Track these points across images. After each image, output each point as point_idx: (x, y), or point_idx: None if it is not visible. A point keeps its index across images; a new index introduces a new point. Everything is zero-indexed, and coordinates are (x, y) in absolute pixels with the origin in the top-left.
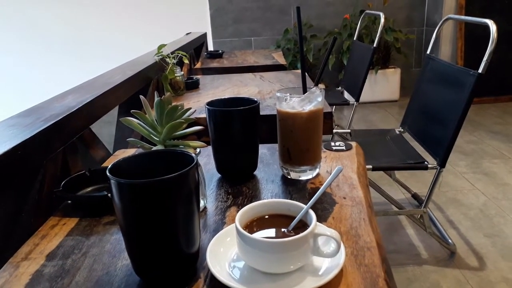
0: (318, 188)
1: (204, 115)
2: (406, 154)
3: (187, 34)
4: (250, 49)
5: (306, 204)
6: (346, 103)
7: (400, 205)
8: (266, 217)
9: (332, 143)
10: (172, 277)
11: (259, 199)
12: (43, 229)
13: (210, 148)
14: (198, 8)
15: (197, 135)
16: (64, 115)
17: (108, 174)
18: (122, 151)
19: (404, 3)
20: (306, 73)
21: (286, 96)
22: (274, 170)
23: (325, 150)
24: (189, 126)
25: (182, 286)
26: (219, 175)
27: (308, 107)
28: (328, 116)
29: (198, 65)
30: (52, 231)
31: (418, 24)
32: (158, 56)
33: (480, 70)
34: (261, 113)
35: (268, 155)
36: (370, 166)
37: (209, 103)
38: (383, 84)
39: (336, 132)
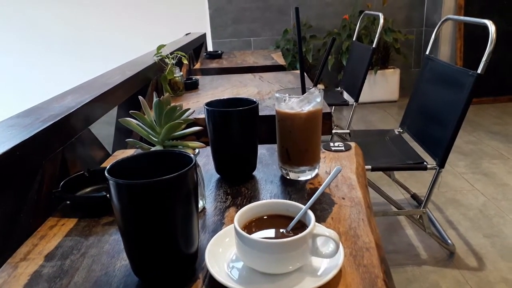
0: (317, 189)
1: (203, 115)
2: (405, 155)
3: (187, 34)
4: (249, 50)
5: (305, 204)
6: (345, 103)
7: (399, 205)
8: (265, 217)
9: (331, 144)
10: (171, 277)
11: (258, 200)
12: (41, 230)
13: (209, 148)
14: (198, 8)
15: (196, 136)
16: (63, 116)
17: (106, 174)
18: (121, 151)
19: (403, 4)
20: (305, 74)
21: (285, 97)
22: (273, 170)
23: (324, 150)
24: (188, 126)
25: (181, 286)
26: (218, 176)
27: (307, 108)
28: (327, 117)
29: (197, 66)
30: (51, 231)
31: (417, 24)
32: (157, 56)
33: (479, 71)
34: (260, 113)
35: (267, 156)
36: (369, 167)
37: (208, 104)
38: (382, 85)
39: (335, 133)
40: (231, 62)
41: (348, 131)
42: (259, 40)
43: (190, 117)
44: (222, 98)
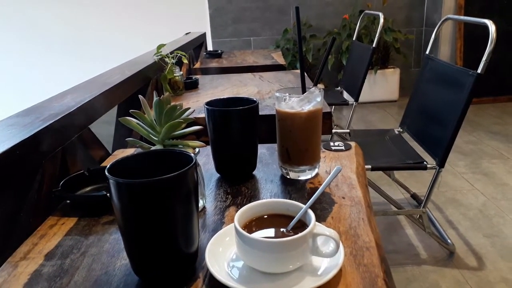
0: (317, 188)
1: (203, 115)
2: (405, 154)
3: (186, 34)
4: (249, 49)
5: (305, 204)
6: (345, 103)
7: (399, 205)
8: (265, 217)
9: (331, 143)
10: (171, 276)
11: (258, 199)
12: (41, 229)
13: (209, 148)
14: (198, 8)
15: (196, 135)
16: (63, 115)
17: (107, 173)
18: (121, 151)
19: (403, 3)
20: (305, 73)
21: (285, 96)
22: (273, 170)
23: (324, 150)
24: (188, 126)
25: (181, 285)
26: (218, 175)
27: (307, 107)
28: (327, 116)
29: (197, 65)
30: (51, 230)
31: (417, 24)
32: (157, 56)
33: (479, 70)
34: (260, 113)
35: (267, 155)
36: (369, 166)
37: (208, 103)
38: (382, 84)
39: (335, 132)
40: (231, 62)
41: (348, 130)
42: (259, 39)
43: (190, 117)
44: (222, 97)
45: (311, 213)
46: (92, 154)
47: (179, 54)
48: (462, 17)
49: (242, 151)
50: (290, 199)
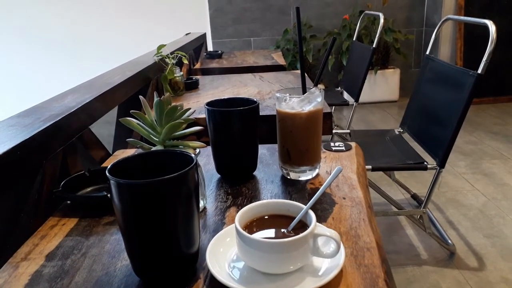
0: (317, 189)
1: (203, 115)
2: (405, 155)
3: (187, 34)
4: (249, 50)
5: (305, 204)
6: (345, 103)
7: (399, 205)
8: (266, 217)
9: (332, 144)
10: (172, 277)
11: (259, 200)
12: (42, 230)
13: (209, 148)
14: (198, 8)
15: (197, 136)
16: (64, 116)
17: (107, 174)
18: (121, 151)
19: (404, 4)
20: (305, 74)
21: (286, 97)
22: (274, 170)
23: (324, 150)
24: (188, 126)
25: (182, 286)
26: (219, 176)
27: (307, 108)
28: (328, 117)
29: (197, 66)
30: (51, 231)
31: (417, 24)
32: (158, 56)
33: (479, 71)
34: (261, 113)
35: (267, 156)
36: (370, 167)
37: (208, 104)
38: (383, 85)
39: (335, 133)
40: (231, 62)
41: (349, 131)
42: (259, 40)
43: (190, 117)
44: (222, 98)
45: (311, 213)
46: (93, 155)
47: (179, 55)
48: (462, 18)
49: (242, 152)
50: (290, 199)
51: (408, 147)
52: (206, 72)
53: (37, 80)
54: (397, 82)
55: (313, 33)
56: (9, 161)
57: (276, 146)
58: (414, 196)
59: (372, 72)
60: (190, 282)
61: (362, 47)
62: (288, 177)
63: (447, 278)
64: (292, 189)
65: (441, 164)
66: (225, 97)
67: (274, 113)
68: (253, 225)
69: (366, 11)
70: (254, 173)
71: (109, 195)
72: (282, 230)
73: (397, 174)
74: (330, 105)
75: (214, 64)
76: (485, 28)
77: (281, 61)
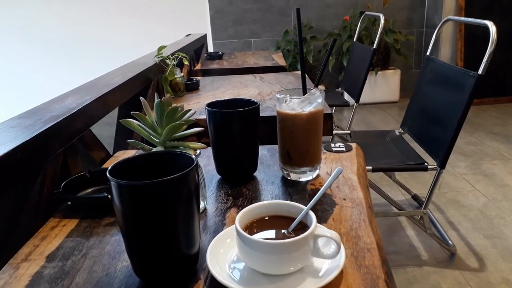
0: (318, 190)
1: (204, 116)
2: (406, 155)
3: (187, 35)
4: (250, 51)
5: (306, 205)
6: (346, 104)
7: (400, 206)
8: (266, 218)
9: (332, 144)
10: (172, 278)
11: (259, 201)
12: (43, 231)
13: (210, 149)
14: (198, 9)
15: (197, 137)
16: (64, 117)
17: (108, 175)
18: (122, 152)
19: (404, 4)
20: (306, 75)
21: (286, 98)
22: (274, 171)
23: (325, 151)
24: (189, 127)
25: (182, 287)
26: (219, 177)
27: (308, 109)
28: (328, 117)
29: (198, 67)
30: (52, 232)
31: (418, 25)
32: (158, 57)
33: (480, 71)
34: (261, 114)
35: (268, 157)
36: (370, 167)
37: (209, 105)
38: (383, 86)
39: (336, 133)
40: (232, 63)
41: (349, 131)
42: (259, 41)
43: (191, 118)
44: (223, 99)
45: (312, 214)
46: (93, 156)
47: (180, 56)
48: (462, 18)
49: (243, 153)
50: (291, 200)
51: (408, 148)
52: (206, 73)
53: (37, 80)
54: (398, 83)
55: (313, 34)
56: (9, 162)
57: (276, 147)
58: (415, 197)
59: (373, 73)
60: (191, 283)
61: (363, 48)
62: (289, 178)
63: (448, 279)
64: (293, 190)
65: (442, 164)
66: (226, 98)
67: (274, 114)
68: (253, 226)
69: (367, 12)
70: (255, 174)
71: (109, 196)
72: (283, 231)
73: (398, 175)
74: (331, 106)
75: (214, 65)
76: (486, 29)
77: (281, 62)
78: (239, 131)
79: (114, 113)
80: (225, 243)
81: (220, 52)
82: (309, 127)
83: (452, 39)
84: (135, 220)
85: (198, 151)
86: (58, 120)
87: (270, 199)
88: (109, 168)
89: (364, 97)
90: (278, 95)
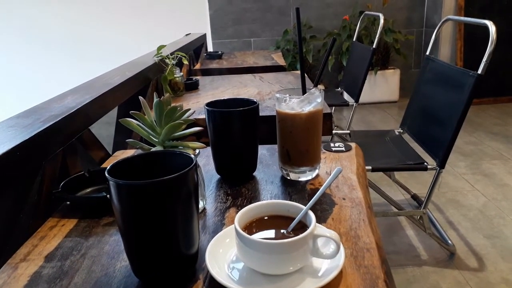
0: (317, 189)
1: (203, 116)
2: (405, 155)
3: (187, 35)
4: (249, 50)
5: (305, 205)
6: (345, 104)
7: (399, 206)
8: (266, 218)
9: (332, 144)
10: (171, 278)
11: (259, 200)
12: (41, 230)
13: (209, 149)
14: (198, 9)
15: (196, 136)
16: (63, 116)
17: (107, 175)
18: (121, 152)
19: (404, 4)
20: (305, 74)
21: (286, 97)
22: (274, 171)
23: (324, 151)
24: (188, 127)
25: (181, 287)
26: (218, 176)
27: (307, 108)
28: (328, 117)
29: (197, 66)
30: (51, 232)
31: (417, 25)
32: (158, 57)
33: (479, 71)
34: (261, 114)
35: (267, 156)
36: (370, 167)
37: (208, 104)
38: (383, 85)
39: (335, 133)
40: (231, 63)
41: (349, 131)
42: (259, 40)
43: (190, 118)
44: (222, 98)
45: (311, 214)
46: (92, 155)
47: (179, 55)
48: (462, 18)
49: (242, 152)
50: (290, 200)
51: (408, 148)
52: (206, 72)
53: (37, 80)
54: (397, 83)
55: (313, 33)
56: (8, 161)
57: (276, 146)
58: (414, 197)
59: (372, 72)
60: (190, 283)
61: (362, 47)
62: (288, 178)
63: (447, 279)
64: (292, 189)
65: (441, 164)
66: (225, 98)
67: (274, 113)
68: (252, 226)
69: (366, 12)
70: (254, 173)
71: (108, 196)
72: (282, 231)
73: (397, 175)
74: (330, 105)
75: (214, 65)
76: (485, 28)
77: (281, 61)
78: (238, 130)
79: (113, 112)
80: (224, 243)
81: (220, 52)
82: (308, 126)
83: (452, 38)
84: (134, 220)
85: (197, 151)
86: (57, 120)
87: (270, 198)
88: (108, 167)
89: (364, 97)
90: (278, 95)
